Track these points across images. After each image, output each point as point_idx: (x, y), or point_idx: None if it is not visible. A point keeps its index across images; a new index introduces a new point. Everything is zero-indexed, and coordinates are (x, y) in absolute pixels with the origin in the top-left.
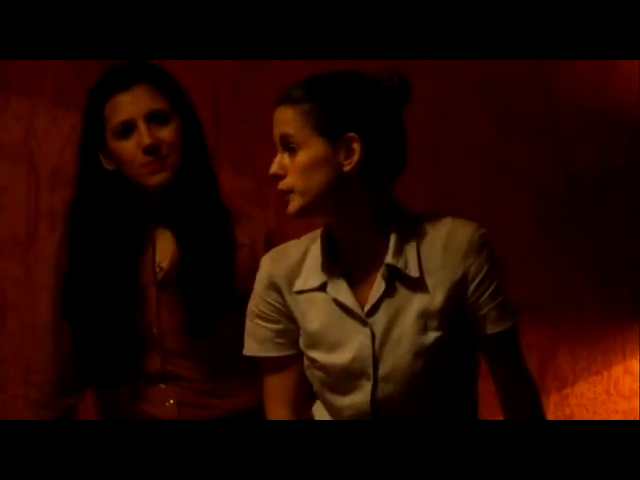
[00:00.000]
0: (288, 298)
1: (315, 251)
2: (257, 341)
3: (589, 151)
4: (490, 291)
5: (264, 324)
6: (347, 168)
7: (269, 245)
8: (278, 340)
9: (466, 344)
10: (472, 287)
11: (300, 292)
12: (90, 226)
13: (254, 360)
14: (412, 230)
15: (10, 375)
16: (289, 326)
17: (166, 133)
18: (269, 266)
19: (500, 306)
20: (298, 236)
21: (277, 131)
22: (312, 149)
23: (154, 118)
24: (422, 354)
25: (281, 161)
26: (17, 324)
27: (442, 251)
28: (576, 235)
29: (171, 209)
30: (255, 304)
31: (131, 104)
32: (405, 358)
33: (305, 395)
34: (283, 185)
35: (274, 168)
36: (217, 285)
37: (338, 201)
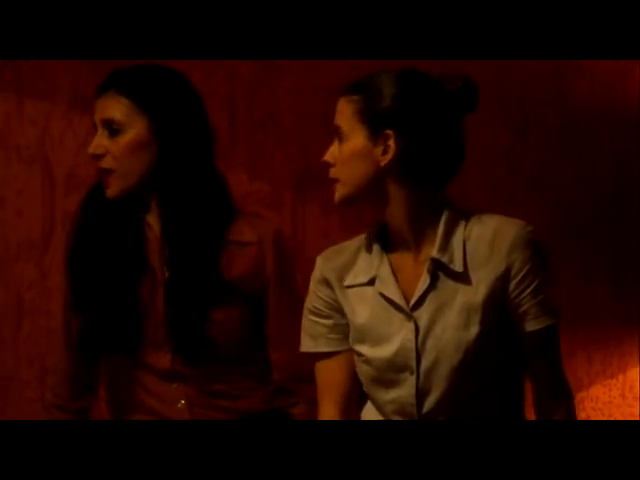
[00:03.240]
0: (339, 293)
1: (367, 247)
2: (311, 337)
3: (604, 155)
4: (532, 288)
5: (317, 320)
6: (383, 163)
7: (278, 244)
8: (331, 335)
9: (509, 341)
10: (514, 283)
11: (350, 287)
12: (94, 223)
13: (265, 361)
14: (460, 226)
15: (26, 378)
16: (340, 321)
17: (113, 145)
18: (321, 264)
19: (541, 304)
20: (314, 239)
21: (334, 121)
22: (355, 140)
23: (108, 126)
24: (464, 348)
25: (333, 151)
26: (33, 327)
27: (487, 247)
28: (593, 239)
29: (159, 209)
30: (309, 301)
31: (98, 108)
32: (447, 352)
33: (355, 394)
34: (331, 174)
35: (326, 156)
36: (201, 281)
37: (378, 194)
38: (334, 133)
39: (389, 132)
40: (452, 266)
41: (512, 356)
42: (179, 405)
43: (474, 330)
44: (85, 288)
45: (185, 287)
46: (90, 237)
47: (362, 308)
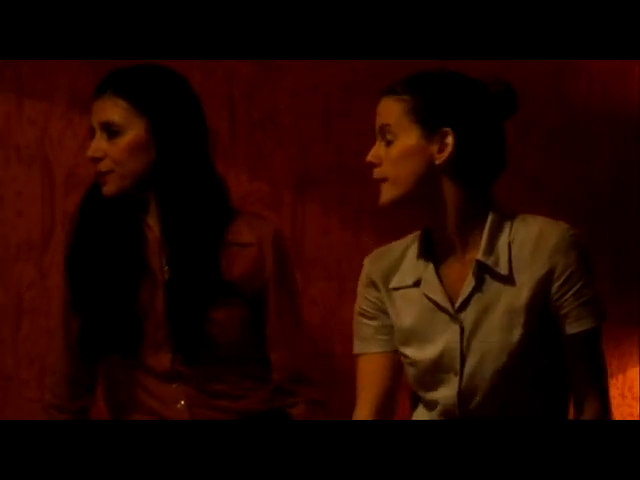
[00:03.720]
0: (384, 295)
1: (413, 249)
2: (360, 339)
3: (604, 155)
4: (573, 291)
5: (365, 321)
6: (438, 162)
7: (277, 245)
8: (379, 337)
9: (553, 344)
10: (556, 285)
11: (396, 289)
12: (93, 223)
13: (265, 361)
14: (505, 228)
15: (25, 378)
16: (387, 322)
17: (112, 147)
18: (368, 265)
19: (582, 307)
20: (313, 239)
21: (378, 121)
22: (407, 139)
23: (106, 129)
24: (508, 350)
25: (377, 150)
26: (32, 328)
27: (532, 249)
28: (592, 239)
29: (158, 210)
30: (358, 303)
31: (95, 111)
32: (491, 354)
33: (393, 397)
34: (377, 174)
35: (370, 157)
36: (201, 281)
37: (429, 193)
38: (378, 133)
39: (447, 130)
40: (497, 269)
41: (556, 359)
42: (179, 405)
43: (517, 332)
44: (84, 289)
45: (185, 288)
46: (89, 237)
47: (408, 310)
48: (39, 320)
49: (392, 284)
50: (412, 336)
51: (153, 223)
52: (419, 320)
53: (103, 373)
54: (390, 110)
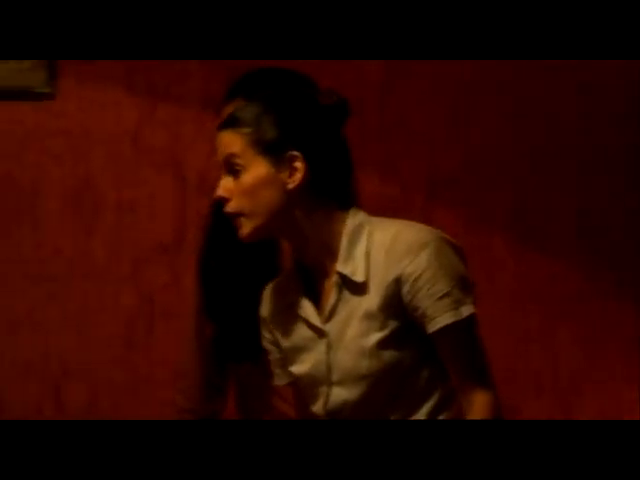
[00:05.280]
0: (272, 326)
1: (287, 276)
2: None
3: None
4: (425, 289)
5: (269, 357)
6: (291, 186)
7: None
8: (276, 370)
9: (415, 346)
10: (407, 286)
11: (275, 314)
12: (225, 227)
13: None
14: (362, 235)
15: (159, 381)
16: (278, 355)
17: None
18: (261, 304)
19: (437, 304)
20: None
21: (220, 155)
22: (256, 170)
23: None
24: (365, 355)
25: (226, 184)
26: (165, 330)
27: (385, 254)
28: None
29: None
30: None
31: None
32: (352, 361)
33: None
34: (229, 208)
35: (220, 191)
36: None
37: (288, 219)
38: (224, 165)
39: (294, 153)
40: (354, 278)
41: (423, 360)
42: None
43: (374, 338)
44: (216, 294)
45: None
46: (221, 242)
47: (286, 331)
48: (172, 323)
49: (275, 309)
50: (292, 354)
51: None
52: (296, 338)
53: (235, 377)
54: (232, 142)
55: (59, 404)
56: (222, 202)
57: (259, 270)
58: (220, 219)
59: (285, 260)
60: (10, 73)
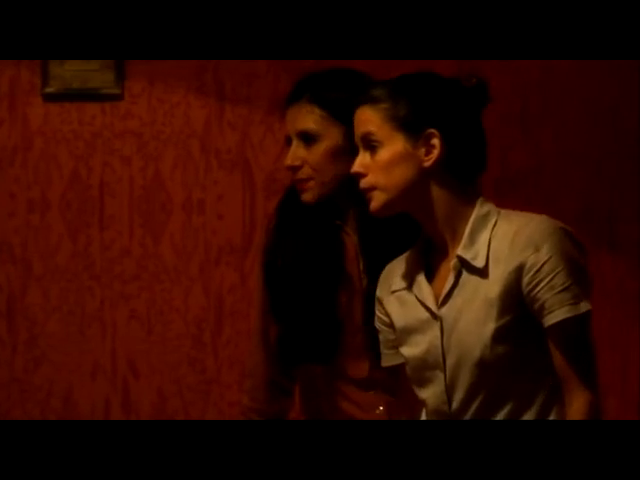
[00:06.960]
0: (386, 303)
1: (410, 254)
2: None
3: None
4: (546, 282)
5: (380, 336)
6: (427, 164)
7: None
8: (385, 351)
9: (534, 337)
10: (527, 277)
11: (394, 292)
12: (290, 228)
13: None
14: (488, 224)
15: (227, 382)
16: (390, 336)
17: (310, 155)
18: (378, 283)
19: (556, 297)
20: None
21: (359, 131)
22: (392, 146)
23: (303, 137)
24: (483, 343)
25: (362, 160)
26: (233, 331)
27: (509, 243)
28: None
29: (356, 217)
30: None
31: (291, 119)
32: (469, 347)
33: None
34: (365, 183)
35: (356, 167)
36: None
37: (420, 196)
38: (360, 142)
39: (432, 131)
40: (474, 262)
41: (537, 353)
42: (377, 411)
43: (491, 325)
44: (282, 295)
45: None
46: (287, 243)
47: (401, 311)
48: (240, 324)
49: (392, 288)
50: (405, 335)
51: (351, 230)
52: (410, 319)
53: (301, 378)
54: (370, 119)
55: (127, 404)
56: (357, 177)
57: (324, 269)
58: (286, 218)
59: (349, 263)
60: (78, 74)
